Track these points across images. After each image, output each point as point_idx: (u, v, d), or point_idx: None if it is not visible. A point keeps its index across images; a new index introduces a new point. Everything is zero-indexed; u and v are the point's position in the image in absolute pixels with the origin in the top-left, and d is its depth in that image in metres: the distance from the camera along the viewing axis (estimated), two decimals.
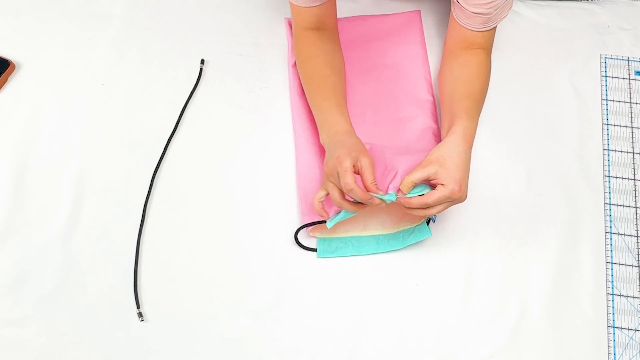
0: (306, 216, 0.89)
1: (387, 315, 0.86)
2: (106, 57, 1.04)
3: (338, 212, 0.84)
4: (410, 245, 0.88)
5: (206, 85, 1.02)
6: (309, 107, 0.96)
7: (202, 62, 1.03)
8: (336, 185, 0.80)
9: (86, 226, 0.90)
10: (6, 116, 0.99)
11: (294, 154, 0.96)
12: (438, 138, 0.96)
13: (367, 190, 0.79)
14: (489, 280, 0.88)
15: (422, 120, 0.97)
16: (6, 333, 0.84)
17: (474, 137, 0.84)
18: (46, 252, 0.89)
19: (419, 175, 0.79)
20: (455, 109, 0.87)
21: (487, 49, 0.94)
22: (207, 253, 0.89)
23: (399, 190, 0.80)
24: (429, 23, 1.07)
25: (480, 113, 0.88)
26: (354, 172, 0.78)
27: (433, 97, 1.00)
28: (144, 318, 0.85)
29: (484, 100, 0.90)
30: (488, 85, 0.92)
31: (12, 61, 1.02)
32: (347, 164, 0.77)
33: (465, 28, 0.91)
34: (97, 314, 0.85)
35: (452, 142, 0.81)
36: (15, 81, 1.02)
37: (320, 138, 0.88)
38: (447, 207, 0.80)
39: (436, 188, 0.79)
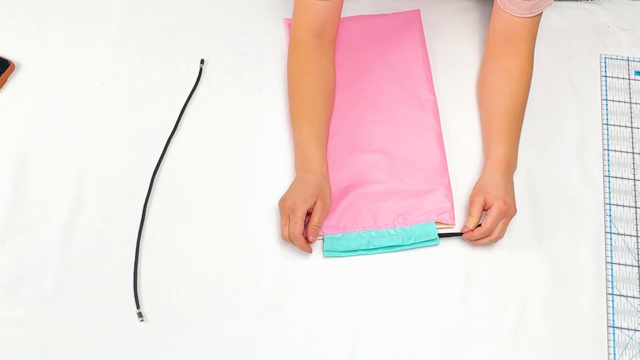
0: None
1: (387, 315, 0.86)
2: (106, 57, 1.04)
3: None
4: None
5: (206, 85, 1.02)
6: None
7: (202, 62, 1.03)
8: (287, 223, 0.85)
9: (86, 226, 0.90)
10: (6, 116, 0.99)
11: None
12: (440, 137, 0.96)
13: (308, 229, 0.85)
14: (489, 280, 0.88)
15: (424, 120, 0.97)
16: (6, 333, 0.84)
17: (512, 161, 0.89)
18: (46, 252, 0.89)
19: (475, 209, 0.87)
20: (493, 131, 0.91)
21: (530, 43, 0.93)
22: (207, 253, 0.89)
23: (465, 227, 0.88)
24: (429, 23, 1.07)
25: (520, 127, 0.91)
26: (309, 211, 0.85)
27: (434, 96, 1.00)
28: (144, 318, 0.85)
29: (524, 112, 0.92)
30: (529, 91, 0.93)
31: (12, 61, 1.02)
32: (300, 214, 0.83)
33: (510, 15, 0.91)
34: (97, 314, 0.85)
35: (489, 173, 0.88)
36: (15, 81, 1.02)
37: (294, 163, 0.90)
38: (506, 225, 0.86)
39: (488, 212, 0.86)
